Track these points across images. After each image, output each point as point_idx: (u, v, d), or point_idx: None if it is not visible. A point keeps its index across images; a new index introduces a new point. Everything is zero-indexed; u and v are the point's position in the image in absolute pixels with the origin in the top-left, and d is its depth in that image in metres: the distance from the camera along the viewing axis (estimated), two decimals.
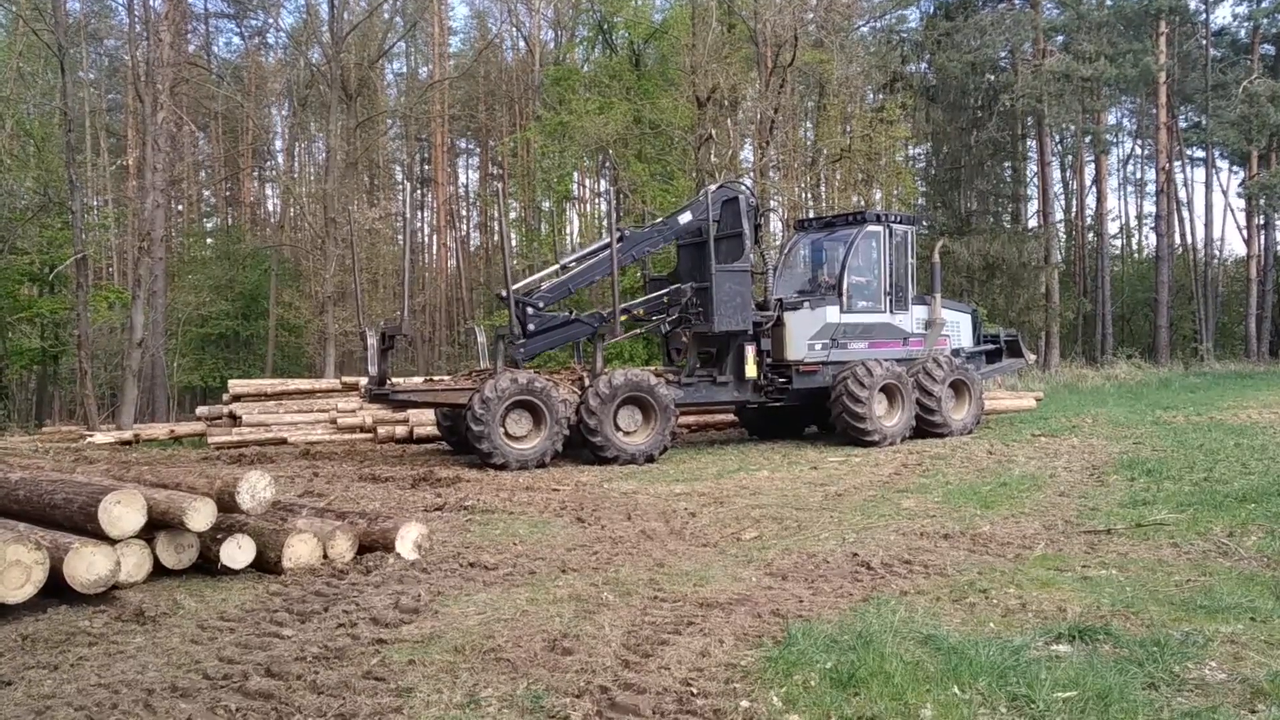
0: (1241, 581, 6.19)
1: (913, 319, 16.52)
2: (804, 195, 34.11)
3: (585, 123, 28.06)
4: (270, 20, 39.33)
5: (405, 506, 10.05)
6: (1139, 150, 50.39)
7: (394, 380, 14.99)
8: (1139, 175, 51.73)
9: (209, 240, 43.49)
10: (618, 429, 13.87)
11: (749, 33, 29.20)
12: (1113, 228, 48.29)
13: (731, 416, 18.23)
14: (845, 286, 15.80)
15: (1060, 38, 38.89)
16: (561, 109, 30.39)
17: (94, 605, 6.04)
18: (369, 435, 17.27)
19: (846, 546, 7.60)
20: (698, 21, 28.04)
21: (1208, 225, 42.74)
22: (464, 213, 51.71)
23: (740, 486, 11.34)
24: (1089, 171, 44.18)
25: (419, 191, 49.29)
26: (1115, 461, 12.19)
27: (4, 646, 5.31)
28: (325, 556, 7.16)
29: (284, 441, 16.84)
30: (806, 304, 15.76)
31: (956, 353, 16.98)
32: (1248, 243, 41.46)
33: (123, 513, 6.33)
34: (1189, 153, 45.10)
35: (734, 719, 4.13)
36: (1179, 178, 43.55)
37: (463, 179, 54.15)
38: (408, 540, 7.39)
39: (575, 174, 36.96)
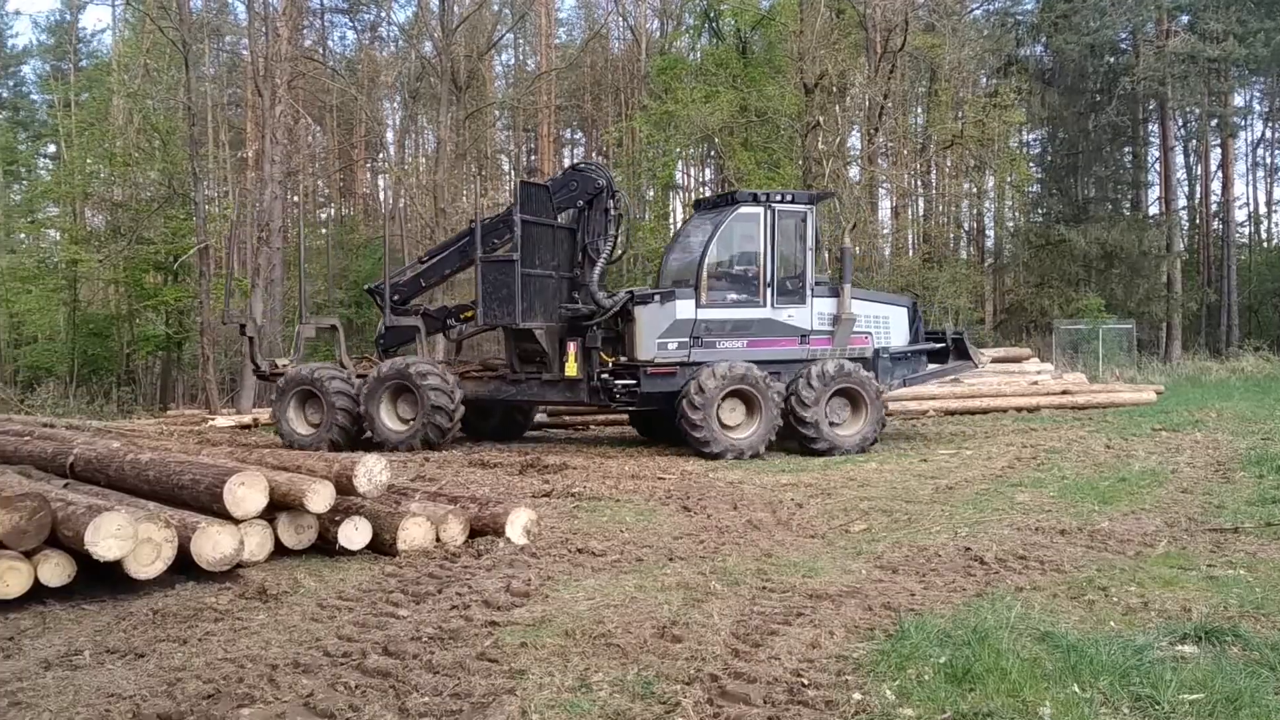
0: None
1: (814, 313, 14.29)
2: (914, 182, 33.53)
3: (691, 111, 28.02)
4: (383, 14, 40.16)
5: (514, 492, 10.18)
6: (1269, 134, 48.18)
7: (280, 361, 15.79)
8: (1269, 160, 49.44)
9: (323, 230, 44.66)
10: (398, 418, 14.24)
11: (858, 18, 28.80)
12: (1240, 215, 46.33)
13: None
14: (704, 278, 13.91)
15: (1185, 17, 37.43)
16: (667, 98, 30.39)
17: (219, 582, 6.27)
18: None
19: (958, 540, 7.46)
20: (806, 7, 27.74)
21: None
22: None
23: (847, 478, 11.22)
24: (1215, 156, 42.38)
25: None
26: (1242, 457, 11.73)
27: (137, 620, 5.55)
28: (438, 539, 7.31)
29: None
30: (657, 298, 13.97)
31: (879, 352, 14.67)
32: None
33: (246, 494, 6.54)
34: None
35: (846, 711, 4.08)
36: None
37: None
38: (517, 525, 7.50)
39: (680, 163, 36.92)
